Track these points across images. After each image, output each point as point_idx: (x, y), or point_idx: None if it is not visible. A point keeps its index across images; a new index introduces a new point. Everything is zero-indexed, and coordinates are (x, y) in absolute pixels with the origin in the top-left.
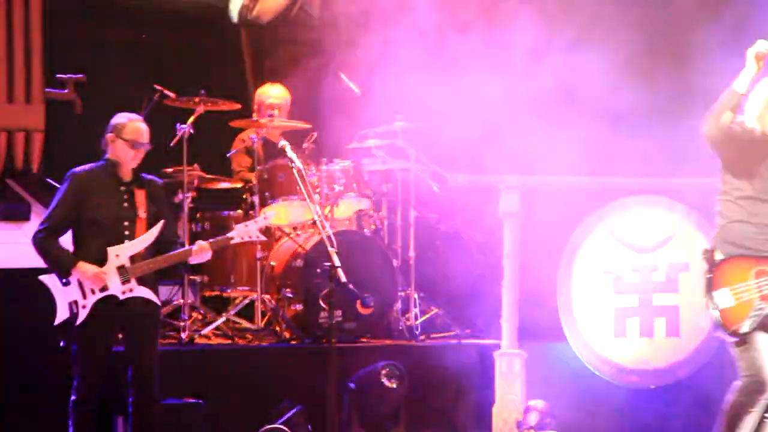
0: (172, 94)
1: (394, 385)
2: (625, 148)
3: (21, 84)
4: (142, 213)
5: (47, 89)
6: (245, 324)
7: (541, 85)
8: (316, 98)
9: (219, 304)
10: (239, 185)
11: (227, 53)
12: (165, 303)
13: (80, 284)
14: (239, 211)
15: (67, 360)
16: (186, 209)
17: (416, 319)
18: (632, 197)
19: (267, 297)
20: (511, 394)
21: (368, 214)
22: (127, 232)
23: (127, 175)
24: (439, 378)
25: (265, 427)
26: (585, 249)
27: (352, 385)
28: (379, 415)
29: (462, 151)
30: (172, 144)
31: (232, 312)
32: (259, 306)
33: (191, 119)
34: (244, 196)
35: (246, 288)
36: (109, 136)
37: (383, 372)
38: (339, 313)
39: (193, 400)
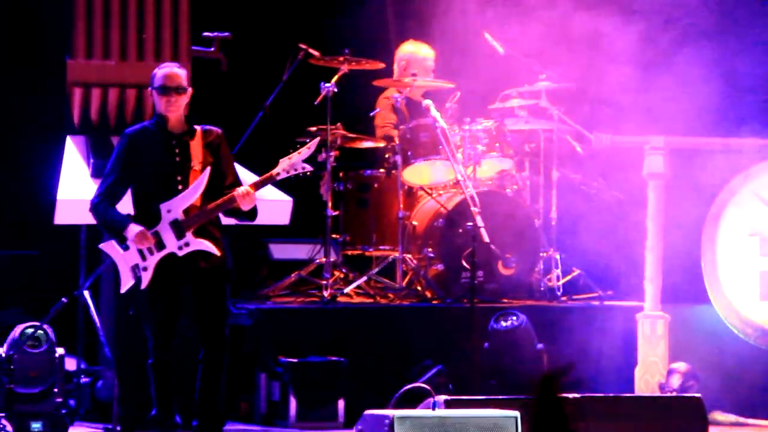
0: (316, 53)
1: (509, 323)
2: None
3: (168, 42)
4: (196, 165)
5: (194, 47)
6: (387, 283)
7: (686, 44)
8: (460, 57)
9: (361, 263)
10: (382, 144)
11: (371, 11)
12: (308, 261)
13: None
14: (382, 170)
15: (141, 325)
16: (329, 168)
17: (558, 279)
18: None
19: (409, 256)
20: (653, 357)
21: (510, 175)
22: (180, 187)
23: (177, 127)
24: (580, 340)
25: (406, 386)
26: (730, 211)
27: (486, 345)
28: (511, 372)
29: (606, 111)
30: (315, 103)
31: (374, 271)
32: (400, 265)
33: (335, 78)
34: (387, 155)
35: (388, 247)
36: (147, 91)
37: (497, 319)
38: (480, 273)
39: (335, 359)
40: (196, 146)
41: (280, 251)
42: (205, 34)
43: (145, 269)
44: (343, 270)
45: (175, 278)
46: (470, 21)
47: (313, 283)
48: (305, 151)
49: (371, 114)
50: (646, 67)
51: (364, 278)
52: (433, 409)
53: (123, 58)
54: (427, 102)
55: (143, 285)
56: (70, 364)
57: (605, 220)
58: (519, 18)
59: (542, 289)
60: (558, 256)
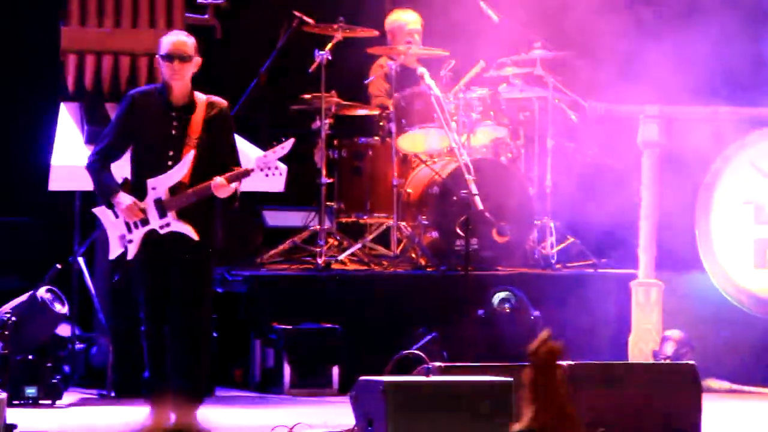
0: (310, 21)
1: (507, 310)
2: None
3: (162, 9)
4: (191, 140)
5: (188, 14)
6: (381, 250)
7: (682, 12)
8: (454, 25)
9: (355, 231)
10: (376, 112)
11: None
12: (302, 229)
13: None
14: (376, 138)
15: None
16: (323, 136)
17: (552, 247)
18: None
19: (403, 224)
20: (647, 324)
21: (505, 143)
22: (170, 162)
23: (180, 98)
24: (574, 307)
25: (400, 353)
26: (725, 179)
27: (480, 312)
28: (509, 343)
29: (601, 80)
30: (310, 70)
31: (369, 238)
32: (395, 233)
33: (329, 46)
34: (381, 123)
35: (382, 215)
36: (156, 58)
37: (495, 298)
38: (475, 240)
39: (330, 326)
40: (196, 120)
41: (275, 218)
42: (200, 0)
43: (130, 241)
44: (338, 237)
45: (160, 253)
46: None
47: (307, 251)
48: (280, 151)
49: (365, 82)
50: (641, 35)
51: (359, 245)
52: (428, 375)
53: (117, 25)
54: (422, 70)
55: (129, 256)
56: (65, 331)
57: (600, 188)
58: None
59: (536, 256)
60: (552, 224)
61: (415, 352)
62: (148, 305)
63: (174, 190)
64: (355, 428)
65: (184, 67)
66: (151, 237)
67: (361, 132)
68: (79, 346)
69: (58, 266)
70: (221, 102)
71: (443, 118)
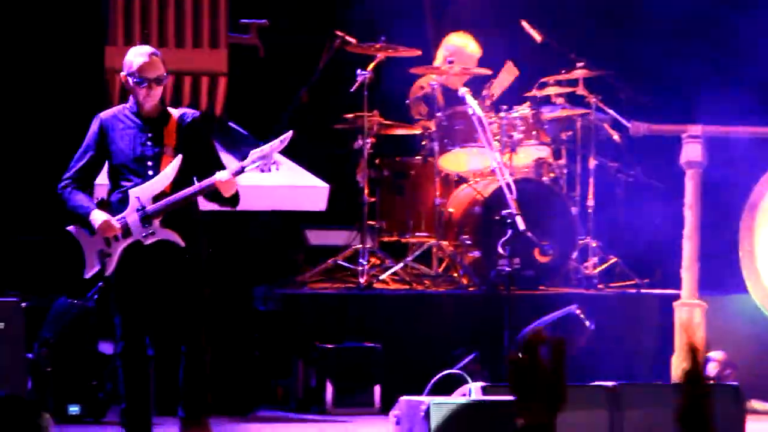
0: (353, 40)
1: (588, 324)
2: None
3: (207, 29)
4: (168, 150)
5: (231, 34)
6: (423, 270)
7: (726, 31)
8: (496, 45)
9: (397, 250)
10: (418, 132)
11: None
12: (344, 248)
13: None
14: (418, 157)
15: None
16: (365, 155)
17: (594, 267)
18: None
19: (445, 243)
20: None
21: (547, 162)
22: (151, 172)
23: (152, 112)
24: (617, 327)
25: (442, 373)
26: None
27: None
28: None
29: (643, 100)
30: (352, 90)
31: (410, 258)
32: (436, 252)
33: (371, 65)
34: (423, 143)
35: (424, 234)
36: (122, 75)
37: (579, 311)
38: (517, 260)
39: (371, 345)
40: (170, 131)
41: (317, 237)
42: (243, 20)
43: (109, 256)
44: (380, 256)
45: (142, 267)
46: (507, 8)
47: (349, 270)
48: (278, 144)
49: (407, 101)
50: (684, 54)
51: (401, 265)
52: (469, 395)
53: (161, 44)
54: (464, 90)
55: (107, 272)
56: (107, 348)
57: (642, 208)
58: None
59: (579, 276)
60: (595, 244)
61: (457, 371)
62: (127, 325)
63: (157, 199)
64: None
65: (159, 88)
66: (133, 250)
67: (403, 151)
68: None
69: (101, 284)
70: (193, 112)
71: (485, 137)
